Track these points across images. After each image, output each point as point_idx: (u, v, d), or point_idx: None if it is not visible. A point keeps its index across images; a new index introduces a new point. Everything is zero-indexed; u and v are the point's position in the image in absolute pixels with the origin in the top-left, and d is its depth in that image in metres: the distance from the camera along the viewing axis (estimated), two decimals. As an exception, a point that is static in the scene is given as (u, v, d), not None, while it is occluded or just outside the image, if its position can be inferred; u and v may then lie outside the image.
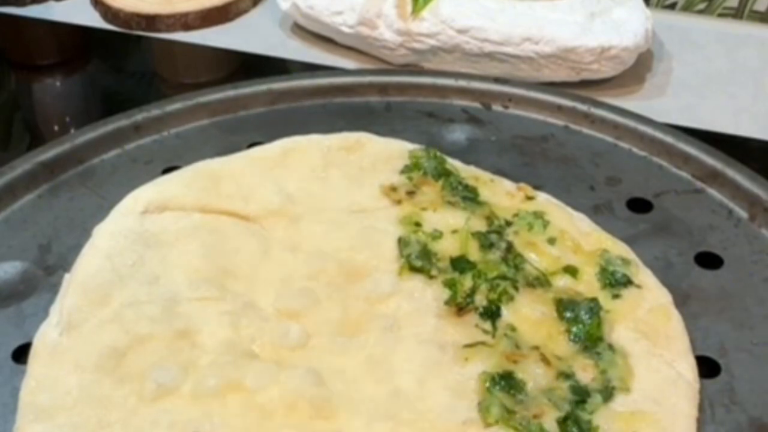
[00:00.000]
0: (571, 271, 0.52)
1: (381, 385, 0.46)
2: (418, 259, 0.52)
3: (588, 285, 0.52)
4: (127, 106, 0.65)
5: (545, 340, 0.49)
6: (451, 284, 0.51)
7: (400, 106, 0.69)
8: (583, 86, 0.76)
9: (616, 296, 0.51)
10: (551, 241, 0.54)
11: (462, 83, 0.70)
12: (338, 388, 0.46)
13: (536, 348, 0.48)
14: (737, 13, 0.88)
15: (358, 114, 0.68)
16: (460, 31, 0.75)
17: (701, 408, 0.46)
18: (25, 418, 0.44)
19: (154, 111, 0.65)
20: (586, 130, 0.66)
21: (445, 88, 0.70)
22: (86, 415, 0.44)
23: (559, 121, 0.67)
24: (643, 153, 0.64)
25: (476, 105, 0.69)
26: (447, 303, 0.50)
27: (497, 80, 0.70)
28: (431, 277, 0.51)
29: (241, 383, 0.45)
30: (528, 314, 0.50)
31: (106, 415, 0.44)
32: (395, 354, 0.47)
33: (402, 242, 0.53)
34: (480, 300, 0.50)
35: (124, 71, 0.83)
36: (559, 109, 0.67)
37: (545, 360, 0.47)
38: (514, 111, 0.68)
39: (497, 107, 0.69)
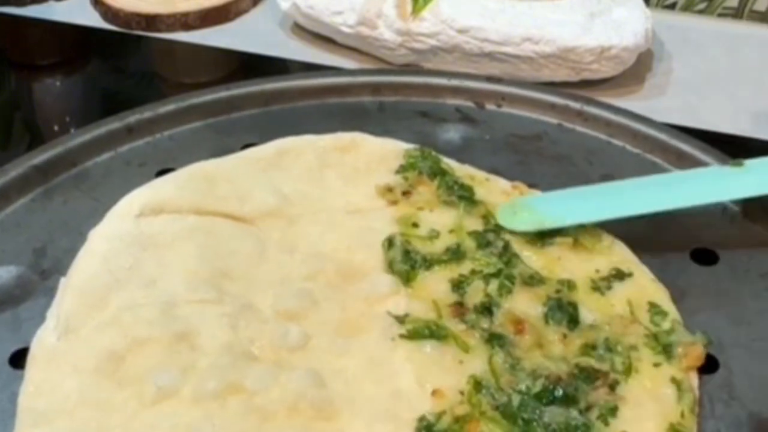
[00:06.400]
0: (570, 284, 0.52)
1: (381, 386, 0.46)
2: (401, 264, 0.52)
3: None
4: (127, 106, 0.65)
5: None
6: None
7: (393, 105, 0.69)
8: (583, 86, 0.76)
9: (613, 293, 0.51)
10: (547, 238, 0.55)
11: (455, 82, 0.70)
12: (339, 388, 0.45)
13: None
14: (737, 13, 0.88)
15: (352, 114, 0.67)
16: (460, 31, 0.75)
17: (701, 403, 0.46)
18: (24, 423, 0.43)
19: (146, 113, 0.65)
20: (579, 128, 0.66)
21: (438, 87, 0.70)
22: (86, 419, 0.43)
23: (552, 119, 0.67)
24: (636, 150, 0.64)
25: (469, 104, 0.69)
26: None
27: (490, 79, 0.70)
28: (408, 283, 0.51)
29: (241, 385, 0.45)
30: (524, 312, 0.50)
31: (106, 419, 0.43)
32: (395, 354, 0.47)
33: (386, 245, 0.53)
34: (478, 298, 0.50)
35: (124, 71, 0.83)
36: (552, 107, 0.67)
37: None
38: (507, 110, 0.68)
39: (491, 106, 0.69)
